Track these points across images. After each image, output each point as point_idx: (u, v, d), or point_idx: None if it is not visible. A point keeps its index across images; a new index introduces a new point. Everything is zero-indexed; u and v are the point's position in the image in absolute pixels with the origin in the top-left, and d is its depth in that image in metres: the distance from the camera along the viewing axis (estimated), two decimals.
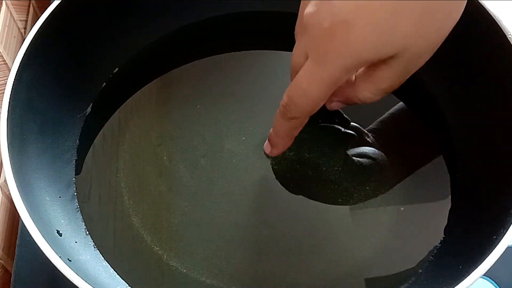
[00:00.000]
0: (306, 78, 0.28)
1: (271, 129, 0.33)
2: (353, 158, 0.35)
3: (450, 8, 0.26)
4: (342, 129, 0.37)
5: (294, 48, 0.30)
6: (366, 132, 0.37)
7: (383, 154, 0.36)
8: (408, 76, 0.29)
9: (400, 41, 0.25)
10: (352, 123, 0.37)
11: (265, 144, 0.34)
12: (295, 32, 0.29)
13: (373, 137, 0.37)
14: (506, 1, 0.36)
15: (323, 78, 0.27)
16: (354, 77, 0.31)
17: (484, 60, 0.34)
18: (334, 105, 0.34)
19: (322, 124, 0.37)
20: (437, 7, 0.25)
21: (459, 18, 0.26)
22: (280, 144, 0.33)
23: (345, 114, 0.37)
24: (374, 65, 0.28)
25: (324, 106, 0.35)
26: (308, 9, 0.27)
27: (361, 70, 0.30)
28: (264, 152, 0.35)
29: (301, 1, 0.28)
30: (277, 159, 0.35)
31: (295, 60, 0.29)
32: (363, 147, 0.36)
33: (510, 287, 0.34)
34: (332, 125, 0.37)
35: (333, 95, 0.33)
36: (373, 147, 0.36)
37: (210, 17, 0.42)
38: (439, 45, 0.27)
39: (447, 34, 0.27)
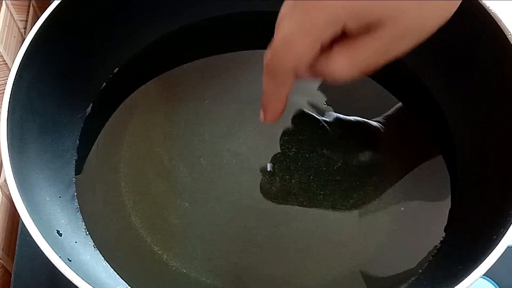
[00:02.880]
0: (289, 28, 0.27)
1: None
2: (353, 158, 0.35)
3: None
4: (342, 130, 0.37)
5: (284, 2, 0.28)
6: (366, 132, 0.37)
7: (383, 154, 0.36)
8: (387, 59, 0.28)
9: (393, 4, 0.25)
10: (352, 124, 0.37)
11: (260, 113, 0.33)
12: None
13: (373, 137, 0.37)
14: (506, 1, 0.36)
15: (306, 28, 0.27)
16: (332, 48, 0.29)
17: (484, 60, 0.34)
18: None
19: (322, 125, 0.37)
20: None
21: (454, 11, 0.26)
22: (270, 107, 0.31)
23: (346, 114, 0.37)
24: (356, 35, 0.27)
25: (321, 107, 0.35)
26: None
27: (341, 42, 0.29)
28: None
29: None
30: (277, 159, 0.35)
31: (281, 13, 0.28)
32: (363, 148, 0.36)
33: (510, 287, 0.34)
34: (331, 125, 0.37)
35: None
36: (373, 148, 0.36)
37: (210, 17, 0.42)
38: (427, 34, 0.26)
39: (439, 25, 0.26)
